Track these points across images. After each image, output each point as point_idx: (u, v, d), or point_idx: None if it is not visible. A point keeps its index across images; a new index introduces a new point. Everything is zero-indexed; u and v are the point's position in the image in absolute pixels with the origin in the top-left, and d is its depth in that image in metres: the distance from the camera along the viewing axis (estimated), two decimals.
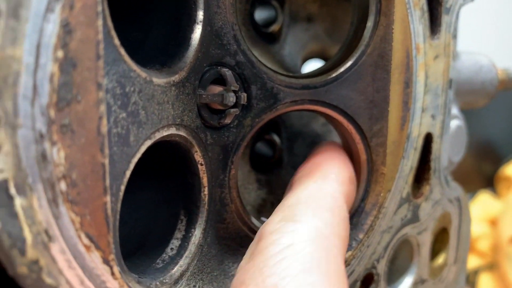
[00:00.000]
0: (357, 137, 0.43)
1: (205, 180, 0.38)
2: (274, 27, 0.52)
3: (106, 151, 0.27)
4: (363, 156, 0.43)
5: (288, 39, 0.55)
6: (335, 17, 0.58)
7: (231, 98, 0.37)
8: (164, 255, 0.37)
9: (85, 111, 0.26)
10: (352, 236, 0.43)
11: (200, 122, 0.37)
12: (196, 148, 0.37)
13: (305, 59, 0.59)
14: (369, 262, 0.45)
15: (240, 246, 0.41)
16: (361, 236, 0.43)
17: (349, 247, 0.43)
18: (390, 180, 0.44)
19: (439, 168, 0.49)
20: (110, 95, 0.28)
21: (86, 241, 0.27)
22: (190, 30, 0.36)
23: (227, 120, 0.38)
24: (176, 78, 0.34)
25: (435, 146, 0.48)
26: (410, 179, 0.46)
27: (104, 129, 0.27)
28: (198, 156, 0.37)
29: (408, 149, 0.45)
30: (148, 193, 0.40)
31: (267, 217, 0.49)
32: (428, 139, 0.47)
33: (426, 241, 0.50)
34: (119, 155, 0.29)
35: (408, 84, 0.43)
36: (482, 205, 2.00)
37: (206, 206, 0.39)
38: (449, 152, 0.51)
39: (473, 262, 1.90)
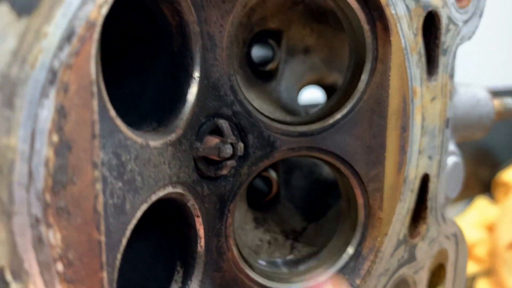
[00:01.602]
0: (354, 182, 0.43)
1: (201, 232, 0.38)
2: (271, 66, 0.52)
3: (102, 227, 0.27)
4: (360, 200, 0.44)
5: (285, 74, 0.55)
6: (332, 47, 0.58)
7: (228, 150, 0.37)
8: None
9: (81, 192, 0.26)
10: (349, 282, 0.43)
11: (197, 175, 0.37)
12: (193, 201, 0.37)
13: (301, 88, 0.59)
14: None
15: None
16: (358, 281, 0.43)
17: None
18: (387, 224, 0.44)
19: (436, 206, 0.49)
20: (105, 168, 0.28)
21: None
22: (187, 85, 0.36)
23: (224, 171, 0.38)
24: (172, 137, 0.34)
25: (432, 185, 0.48)
26: (407, 220, 0.46)
27: (100, 206, 0.27)
28: (194, 209, 0.37)
29: (405, 192, 0.45)
30: (144, 244, 0.39)
31: (264, 259, 0.49)
32: (425, 180, 0.47)
33: (422, 278, 0.50)
34: (115, 225, 0.29)
35: (405, 128, 0.43)
36: (479, 211, 2.00)
37: (202, 257, 0.39)
38: (445, 188, 0.51)
39: (470, 268, 1.91)
